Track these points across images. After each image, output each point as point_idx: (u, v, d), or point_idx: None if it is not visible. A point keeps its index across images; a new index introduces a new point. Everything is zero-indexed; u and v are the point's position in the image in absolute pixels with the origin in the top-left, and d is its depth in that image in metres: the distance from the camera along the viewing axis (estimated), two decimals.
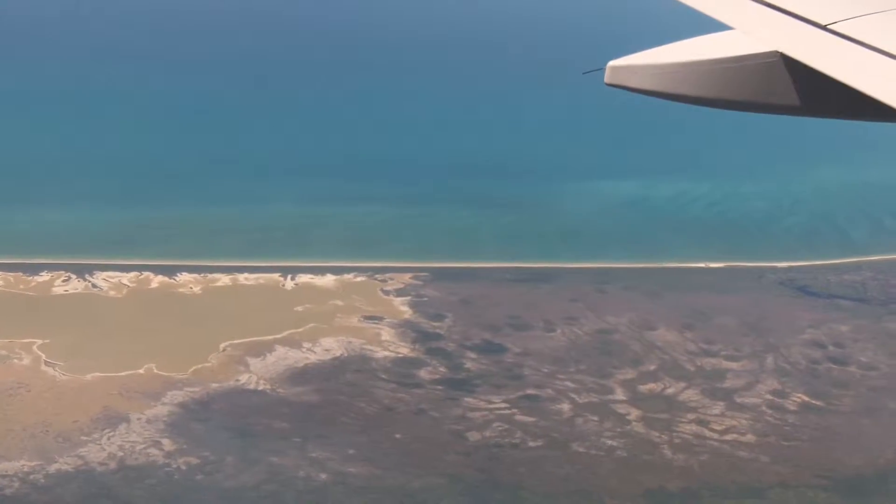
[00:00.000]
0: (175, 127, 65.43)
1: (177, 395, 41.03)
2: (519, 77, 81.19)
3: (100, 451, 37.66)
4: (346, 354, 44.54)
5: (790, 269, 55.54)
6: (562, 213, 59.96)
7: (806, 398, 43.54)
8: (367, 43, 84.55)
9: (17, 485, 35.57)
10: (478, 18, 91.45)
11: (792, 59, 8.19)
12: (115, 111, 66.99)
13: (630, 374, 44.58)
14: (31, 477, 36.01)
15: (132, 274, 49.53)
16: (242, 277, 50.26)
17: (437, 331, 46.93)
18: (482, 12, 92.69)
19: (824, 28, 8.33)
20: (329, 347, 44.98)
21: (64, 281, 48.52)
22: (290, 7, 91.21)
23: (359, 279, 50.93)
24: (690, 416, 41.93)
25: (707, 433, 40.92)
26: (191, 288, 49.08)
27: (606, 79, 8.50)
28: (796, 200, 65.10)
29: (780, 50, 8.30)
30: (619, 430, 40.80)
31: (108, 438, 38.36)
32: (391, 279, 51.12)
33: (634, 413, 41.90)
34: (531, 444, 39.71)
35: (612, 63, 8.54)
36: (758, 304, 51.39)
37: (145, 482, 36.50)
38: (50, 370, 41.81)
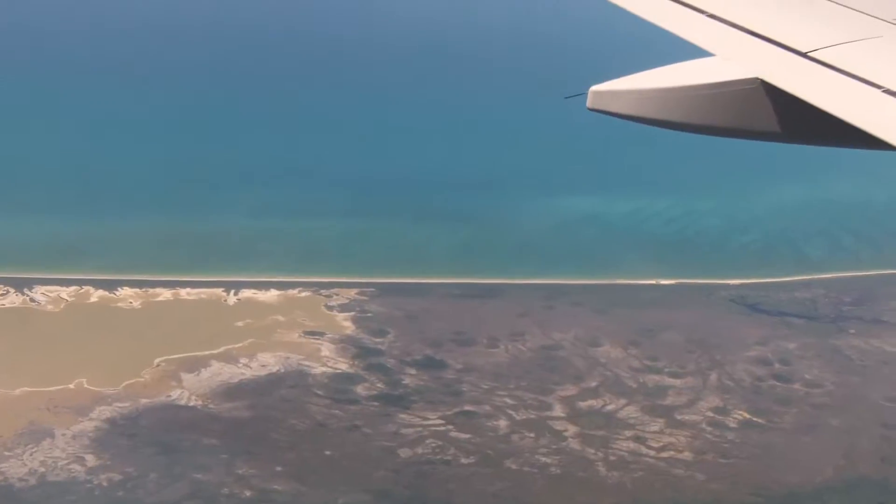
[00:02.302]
0: (121, 135, 64.64)
1: (105, 411, 40.35)
2: (485, 93, 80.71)
3: (21, 466, 36.98)
4: (282, 370, 43.92)
5: (742, 286, 55.12)
6: (516, 229, 59.44)
7: (747, 415, 43.04)
8: (331, 52, 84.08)
9: None
10: (453, 34, 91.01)
11: (772, 86, 8.24)
12: (58, 118, 66.22)
13: (571, 390, 44.03)
14: None
15: (72, 288, 48.85)
16: (185, 292, 49.63)
17: (379, 346, 46.34)
18: (458, 29, 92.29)
19: (804, 55, 8.40)
20: (266, 363, 44.36)
21: (1, 295, 47.80)
22: (264, 14, 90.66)
23: (303, 294, 50.34)
24: (628, 432, 41.39)
25: (644, 450, 40.38)
26: (130, 302, 48.42)
27: (589, 103, 8.54)
28: (753, 218, 64.71)
29: (761, 76, 8.33)
30: (554, 446, 40.23)
31: (31, 454, 37.68)
32: (336, 294, 50.54)
33: (572, 430, 41.35)
34: (463, 460, 39.12)
35: (594, 88, 8.56)
36: (706, 321, 50.94)
37: (65, 498, 35.84)
38: None
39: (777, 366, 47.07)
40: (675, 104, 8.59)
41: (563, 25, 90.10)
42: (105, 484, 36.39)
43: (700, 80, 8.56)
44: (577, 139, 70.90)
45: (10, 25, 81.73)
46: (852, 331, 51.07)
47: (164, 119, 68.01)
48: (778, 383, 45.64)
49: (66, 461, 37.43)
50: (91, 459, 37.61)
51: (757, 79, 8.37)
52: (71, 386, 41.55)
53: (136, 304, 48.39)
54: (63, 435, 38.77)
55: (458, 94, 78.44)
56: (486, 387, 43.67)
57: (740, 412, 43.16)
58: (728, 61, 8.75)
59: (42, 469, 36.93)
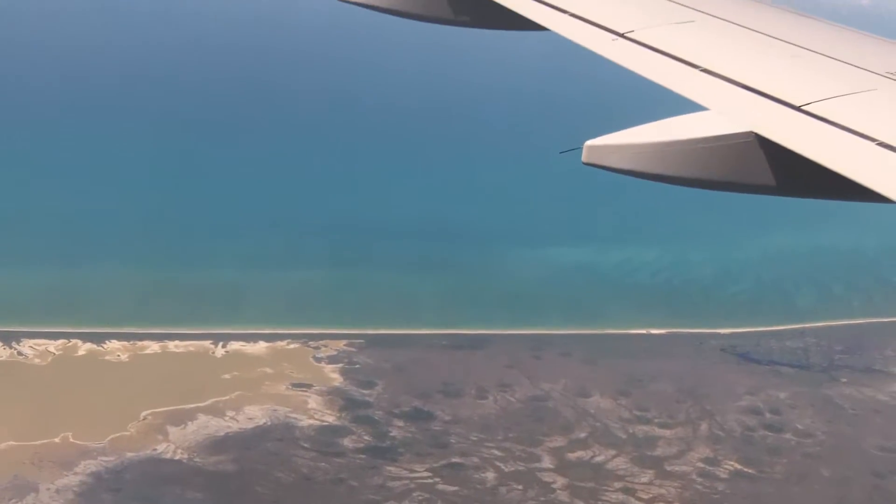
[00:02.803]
0: (108, 186, 64.62)
1: (90, 465, 40.00)
2: (478, 145, 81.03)
3: None
4: (269, 423, 43.63)
5: (732, 335, 55.01)
6: (505, 279, 59.38)
7: (738, 466, 42.76)
8: (322, 104, 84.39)
9: None
10: (446, 88, 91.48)
11: (767, 140, 8.26)
12: (45, 169, 66.25)
13: (560, 441, 43.76)
14: None
15: (60, 341, 48.61)
16: (172, 345, 49.40)
17: (367, 398, 46.11)
18: (451, 83, 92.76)
19: (798, 109, 8.44)
20: (253, 416, 44.06)
21: None
22: (252, 67, 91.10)
23: (292, 346, 50.15)
24: (617, 484, 41.09)
25: (633, 502, 40.07)
26: (118, 355, 48.18)
27: (584, 158, 8.54)
28: (744, 267, 64.76)
29: (755, 130, 8.36)
30: (542, 498, 39.91)
31: None
32: (325, 346, 50.36)
33: (560, 481, 41.03)
34: None
35: (588, 143, 8.57)
36: (696, 371, 50.77)
37: None
38: None
39: (768, 415, 46.86)
40: (671, 158, 8.61)
41: (558, 80, 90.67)
42: None
43: (695, 134, 8.59)
44: (568, 191, 71.03)
45: None
46: (844, 379, 50.93)
47: (152, 170, 68.07)
48: (769, 433, 45.40)
49: None
50: None
51: (751, 132, 8.41)
52: (56, 440, 41.20)
53: (124, 356, 48.16)
54: (48, 489, 38.41)
55: (449, 147, 78.81)
56: (474, 438, 43.38)
57: (731, 462, 42.88)
58: (722, 115, 8.82)
59: None
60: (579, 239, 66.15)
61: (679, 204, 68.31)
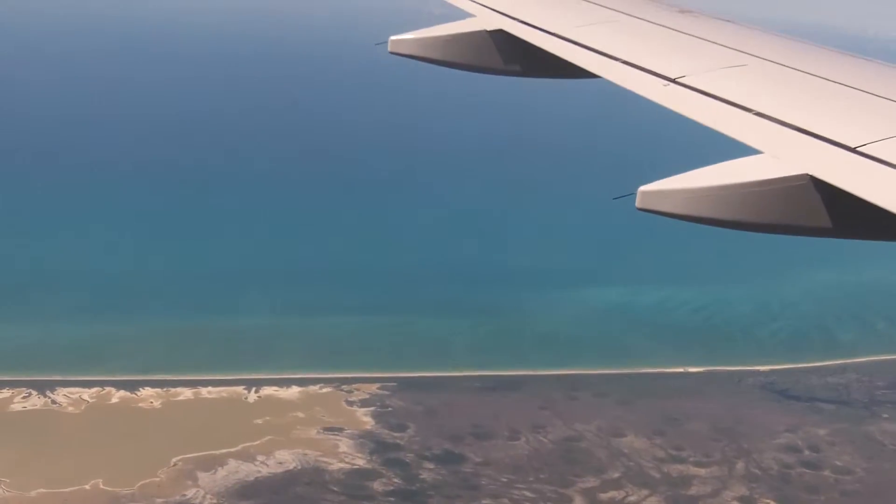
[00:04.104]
0: (140, 237, 65.41)
1: None
2: (524, 191, 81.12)
3: None
4: (299, 467, 43.48)
5: (771, 372, 54.19)
6: (539, 321, 59.03)
7: None
8: (350, 145, 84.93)
9: None
10: (494, 136, 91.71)
11: (822, 182, 8.23)
12: (76, 223, 67.17)
13: (592, 482, 43.16)
14: None
15: (94, 389, 48.95)
16: (206, 391, 49.56)
17: (398, 441, 45.85)
18: (500, 131, 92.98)
19: (854, 150, 8.38)
20: (283, 460, 43.95)
21: (24, 398, 47.99)
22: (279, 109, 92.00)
23: (324, 390, 50.09)
24: None
25: None
26: (151, 402, 48.40)
27: (638, 203, 8.49)
28: (785, 304, 63.96)
29: (811, 173, 8.33)
30: None
31: None
32: (357, 390, 50.25)
33: None
34: None
35: (642, 188, 8.57)
36: (734, 409, 49.98)
37: None
38: None
39: (807, 452, 45.96)
40: (725, 202, 8.54)
41: (609, 127, 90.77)
42: None
43: (749, 178, 8.51)
44: (607, 234, 70.83)
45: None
46: (885, 415, 49.92)
47: (181, 220, 68.77)
48: (807, 470, 44.49)
49: None
50: None
51: (806, 174, 8.32)
52: (87, 487, 41.32)
53: (157, 403, 48.36)
54: None
55: (493, 193, 78.92)
56: (504, 480, 42.94)
57: (767, 501, 42.07)
58: (777, 158, 8.75)
59: None
60: (617, 280, 65.73)
61: (718, 243, 67.76)
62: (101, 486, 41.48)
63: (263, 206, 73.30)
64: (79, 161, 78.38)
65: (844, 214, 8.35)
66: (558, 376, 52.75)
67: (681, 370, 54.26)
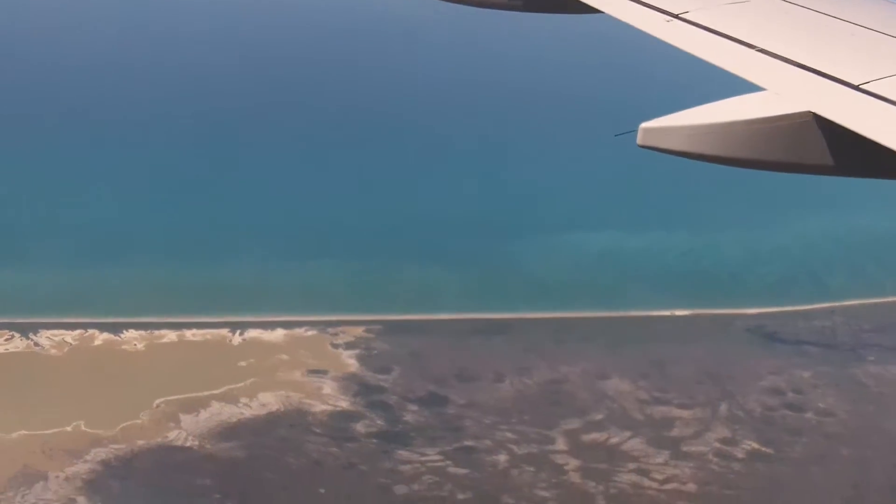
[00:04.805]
0: (126, 180, 64.97)
1: (100, 453, 40.04)
2: (508, 132, 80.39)
3: None
4: (282, 409, 43.45)
5: (759, 315, 54.01)
6: (527, 265, 58.70)
7: (756, 446, 41.92)
8: (340, 82, 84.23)
9: None
10: (491, 73, 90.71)
11: (825, 120, 8.23)
12: (64, 164, 66.76)
13: (575, 423, 43.16)
14: None
15: (77, 332, 48.79)
16: (190, 333, 49.41)
17: (382, 384, 45.78)
18: (497, 68, 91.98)
19: (857, 88, 8.44)
20: (266, 402, 43.91)
21: (6, 340, 47.85)
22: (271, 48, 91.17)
23: (309, 333, 49.94)
24: (631, 465, 40.43)
25: (646, 482, 39.41)
26: (135, 345, 48.28)
27: (639, 140, 8.56)
28: (774, 248, 63.55)
29: (813, 110, 8.35)
30: (554, 480, 39.37)
31: (23, 496, 37.44)
32: (343, 332, 50.10)
33: (573, 463, 40.45)
34: (460, 496, 38.38)
35: (644, 125, 8.58)
36: (719, 352, 49.91)
37: None
38: None
39: (790, 395, 45.92)
40: (727, 139, 8.54)
41: (610, 64, 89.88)
42: None
43: (752, 115, 8.54)
44: (599, 178, 70.41)
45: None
46: (871, 358, 49.83)
47: (168, 162, 68.33)
48: (790, 413, 44.49)
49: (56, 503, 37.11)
50: (82, 501, 37.35)
51: (809, 112, 8.33)
52: (68, 429, 41.31)
53: (141, 346, 48.24)
54: (56, 477, 38.51)
55: (485, 135, 78.22)
56: (488, 422, 42.94)
57: (749, 442, 42.06)
58: (779, 95, 8.72)
59: None
60: (608, 224, 65.34)
61: (709, 187, 67.39)
62: (83, 429, 41.47)
63: (250, 151, 72.71)
64: (67, 106, 77.72)
65: (846, 152, 8.31)
66: (545, 320, 52.61)
67: (668, 314, 54.07)
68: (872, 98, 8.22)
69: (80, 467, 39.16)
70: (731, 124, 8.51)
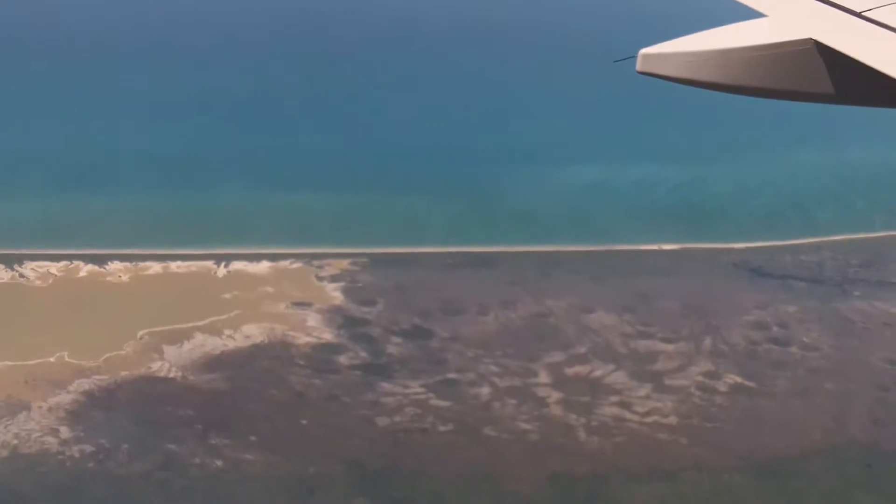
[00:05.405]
0: (111, 111, 64.49)
1: (83, 383, 40.11)
2: (499, 64, 79.67)
3: None
4: (265, 341, 43.46)
5: (746, 250, 53.93)
6: (515, 198, 58.45)
7: (739, 379, 42.01)
8: (329, 17, 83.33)
9: None
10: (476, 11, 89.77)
11: (826, 47, 8.17)
12: (49, 94, 66.24)
13: (559, 357, 43.21)
14: None
15: (62, 263, 48.68)
16: (175, 265, 49.30)
17: (366, 316, 45.76)
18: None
19: (859, 15, 8.35)
20: (250, 334, 43.91)
21: None
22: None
23: (294, 266, 49.85)
24: (613, 398, 40.53)
25: (627, 415, 39.52)
26: (119, 276, 48.19)
27: (638, 67, 8.51)
28: (764, 183, 63.31)
29: (814, 37, 8.28)
30: (535, 413, 39.48)
31: (6, 426, 37.52)
32: (328, 265, 50.00)
33: (555, 396, 40.57)
34: (441, 428, 38.48)
35: (643, 51, 8.50)
36: (705, 287, 49.87)
37: (36, 470, 35.66)
38: None
39: (775, 329, 45.94)
40: (727, 66, 8.47)
41: None
42: (77, 455, 36.18)
43: (753, 42, 8.45)
44: (587, 108, 69.95)
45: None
46: (857, 293, 49.81)
47: (154, 94, 67.77)
48: (774, 347, 44.53)
49: (39, 433, 37.23)
50: (65, 432, 37.39)
51: (810, 39, 8.23)
52: (52, 360, 41.34)
53: (125, 277, 48.16)
54: (39, 408, 38.58)
55: (464, 67, 77.54)
56: (471, 355, 42.97)
57: (732, 376, 42.15)
58: (781, 22, 8.65)
59: (15, 441, 36.78)
60: (598, 157, 64.99)
61: (701, 121, 66.99)
62: (66, 359, 41.51)
63: (238, 81, 72.10)
64: (53, 32, 76.90)
65: (847, 80, 8.27)
66: (531, 253, 52.49)
67: (655, 248, 53.94)
68: (874, 25, 8.13)
69: (64, 398, 39.23)
70: (732, 51, 8.45)
